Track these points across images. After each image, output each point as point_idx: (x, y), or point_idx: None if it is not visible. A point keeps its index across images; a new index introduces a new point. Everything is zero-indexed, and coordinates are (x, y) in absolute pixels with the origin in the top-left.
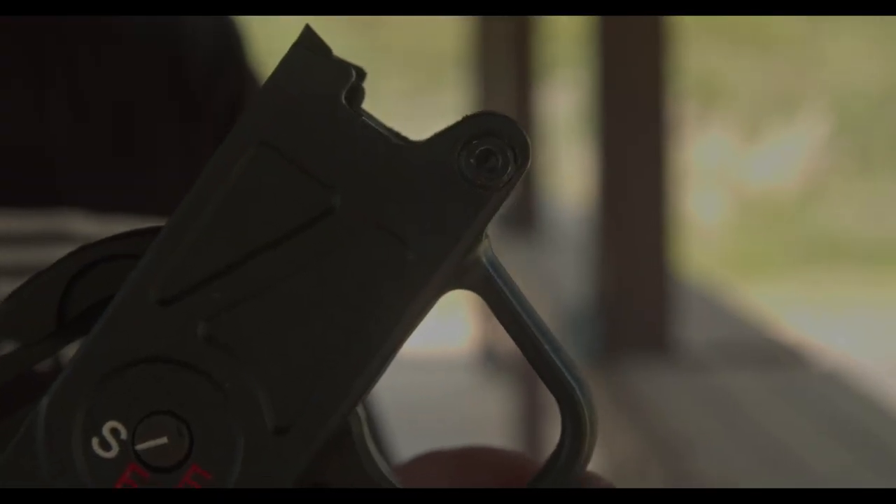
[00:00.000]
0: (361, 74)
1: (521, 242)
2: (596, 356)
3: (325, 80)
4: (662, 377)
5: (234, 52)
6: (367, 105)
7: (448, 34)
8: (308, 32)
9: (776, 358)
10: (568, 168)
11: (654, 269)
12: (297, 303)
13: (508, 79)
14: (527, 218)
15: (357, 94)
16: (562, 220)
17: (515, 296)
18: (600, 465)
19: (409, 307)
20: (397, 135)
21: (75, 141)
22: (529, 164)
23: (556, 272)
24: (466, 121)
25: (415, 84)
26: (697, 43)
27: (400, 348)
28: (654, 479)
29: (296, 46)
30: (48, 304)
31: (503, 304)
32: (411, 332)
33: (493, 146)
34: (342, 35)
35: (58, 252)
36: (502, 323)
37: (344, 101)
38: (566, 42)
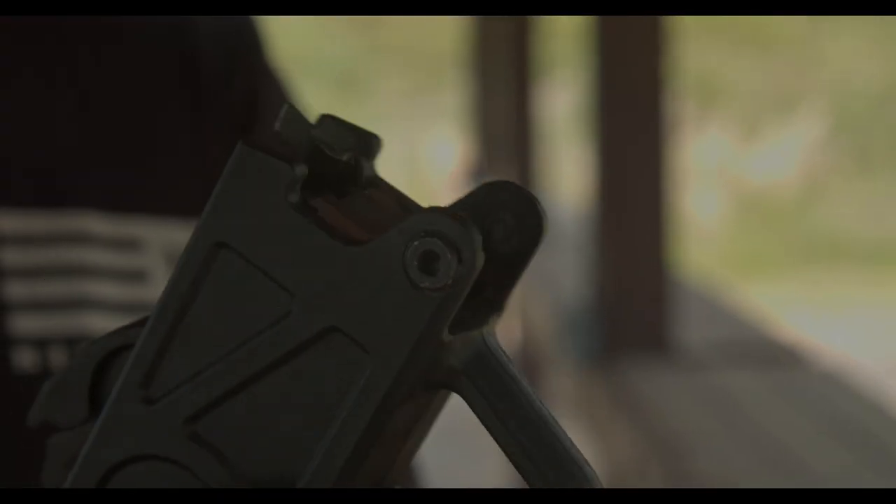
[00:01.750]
0: (318, 160)
1: None
2: (595, 356)
3: (270, 180)
4: (662, 377)
5: (249, 49)
6: (367, 105)
7: (447, 34)
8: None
9: (776, 358)
10: (567, 168)
11: (654, 269)
12: (270, 403)
13: (507, 78)
14: None
15: (326, 172)
16: (561, 220)
17: (504, 396)
18: (601, 465)
19: (376, 411)
20: (348, 236)
21: (89, 141)
22: (479, 262)
23: (555, 272)
24: (412, 219)
25: (414, 84)
26: (696, 43)
27: (377, 444)
28: (654, 479)
29: (242, 143)
30: (80, 392)
31: (482, 410)
32: (393, 427)
33: (434, 247)
34: (342, 35)
35: (75, 252)
36: (486, 427)
37: (290, 201)
38: (565, 42)
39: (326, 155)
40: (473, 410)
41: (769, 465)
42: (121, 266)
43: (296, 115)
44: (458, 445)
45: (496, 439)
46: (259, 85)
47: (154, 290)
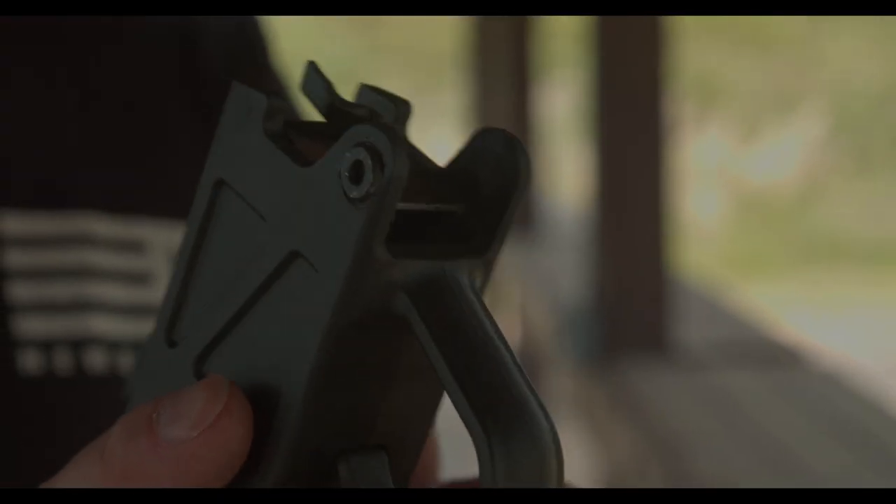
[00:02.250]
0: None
1: (521, 242)
2: (595, 356)
3: (251, 111)
4: (661, 377)
5: (250, 50)
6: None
7: (447, 34)
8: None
9: (775, 358)
10: (566, 168)
11: (653, 269)
12: (256, 337)
13: (507, 78)
14: (526, 218)
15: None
16: (561, 220)
17: (452, 322)
18: (600, 465)
19: (324, 335)
20: (308, 160)
21: (91, 142)
22: (399, 168)
23: (555, 272)
24: (347, 132)
25: (414, 84)
26: (696, 43)
27: (343, 379)
28: (654, 479)
29: (234, 81)
30: None
31: (422, 334)
32: (354, 361)
33: (360, 156)
34: (342, 35)
35: (79, 254)
36: (429, 359)
37: (265, 128)
38: (565, 42)
39: (338, 108)
40: (416, 337)
41: (769, 465)
42: (125, 268)
43: (315, 72)
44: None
45: (438, 374)
46: (261, 86)
47: (158, 291)
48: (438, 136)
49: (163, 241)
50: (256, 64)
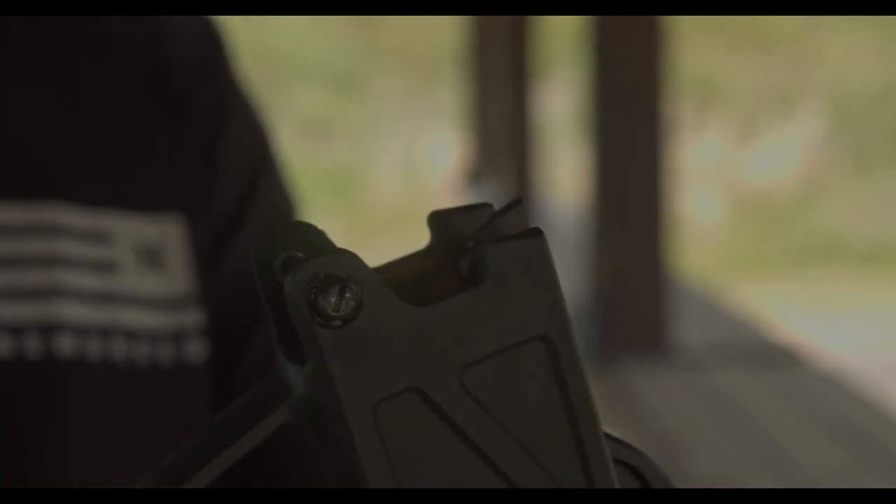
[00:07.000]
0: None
1: None
2: (593, 357)
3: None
4: (659, 377)
5: (217, 64)
6: (365, 106)
7: (446, 34)
8: None
9: (773, 358)
10: (565, 168)
11: (651, 270)
12: None
13: (505, 78)
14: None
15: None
16: (558, 220)
17: None
18: None
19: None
20: None
21: (64, 136)
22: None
23: None
24: None
25: (412, 84)
26: (694, 42)
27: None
28: None
29: None
30: None
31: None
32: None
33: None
34: (340, 35)
35: (50, 243)
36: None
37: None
38: (563, 41)
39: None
40: None
41: (766, 465)
42: (92, 257)
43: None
44: None
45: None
46: (226, 101)
47: (123, 281)
48: (436, 136)
49: (129, 232)
50: (222, 79)
